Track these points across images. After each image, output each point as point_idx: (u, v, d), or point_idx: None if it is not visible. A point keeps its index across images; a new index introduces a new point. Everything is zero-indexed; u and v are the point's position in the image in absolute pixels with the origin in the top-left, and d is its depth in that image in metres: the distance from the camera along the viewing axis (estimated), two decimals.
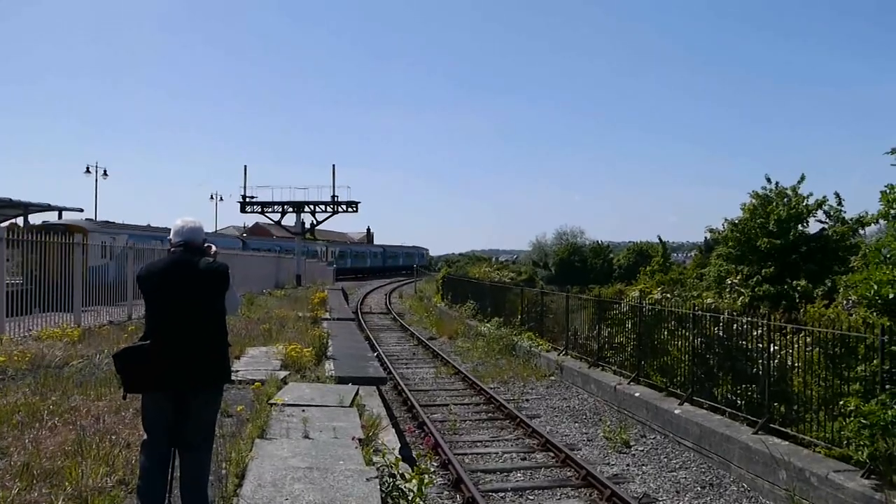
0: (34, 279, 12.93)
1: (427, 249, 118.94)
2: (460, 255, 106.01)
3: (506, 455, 10.33)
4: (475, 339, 22.40)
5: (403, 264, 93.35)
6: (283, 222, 45.33)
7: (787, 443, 8.89)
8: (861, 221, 18.56)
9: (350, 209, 43.84)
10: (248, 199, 43.84)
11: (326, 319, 20.31)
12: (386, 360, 18.98)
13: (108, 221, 31.92)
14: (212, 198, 68.01)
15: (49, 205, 21.13)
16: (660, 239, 54.88)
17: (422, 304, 39.24)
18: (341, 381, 10.47)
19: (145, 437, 4.45)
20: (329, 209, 43.79)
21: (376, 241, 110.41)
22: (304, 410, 7.95)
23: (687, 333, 11.70)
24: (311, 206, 43.97)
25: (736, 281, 18.69)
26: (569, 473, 9.49)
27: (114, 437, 6.23)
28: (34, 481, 5.14)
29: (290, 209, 44.03)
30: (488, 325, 23.23)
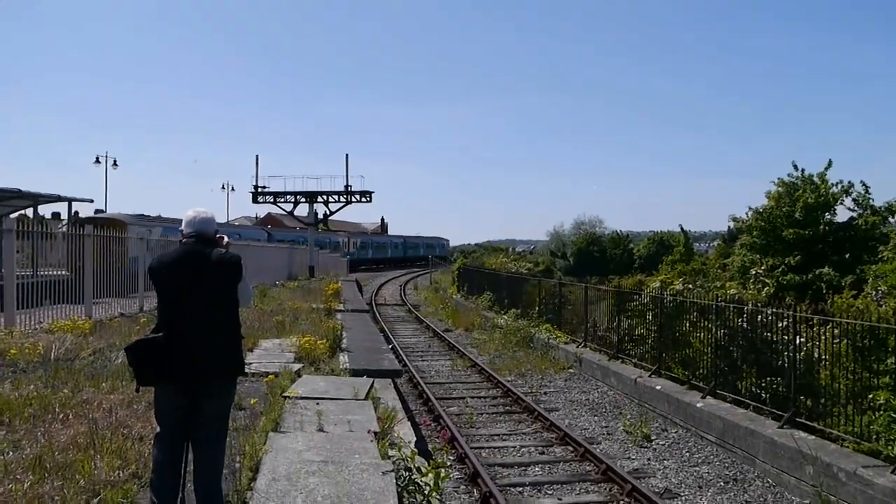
0: (77, 270, 14.05)
1: (447, 240, 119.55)
2: (476, 245, 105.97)
3: (524, 449, 10.34)
4: (492, 331, 22.52)
5: (424, 254, 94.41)
6: (295, 213, 45.42)
7: (813, 437, 8.84)
8: (891, 209, 18.33)
9: (364, 199, 43.90)
10: (259, 189, 43.97)
11: (340, 311, 20.52)
12: (401, 352, 19.05)
13: (143, 215, 33.62)
14: (223, 188, 68.27)
15: (59, 196, 21.26)
16: (681, 228, 54.48)
17: (437, 296, 39.39)
18: (356, 373, 10.51)
19: (158, 430, 4.47)
20: (342, 199, 43.85)
21: (391, 232, 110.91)
22: (318, 403, 7.97)
23: (710, 325, 11.64)
24: (324, 196, 44.00)
25: (760, 271, 18.56)
26: (588, 468, 9.49)
27: (126, 431, 6.26)
28: (46, 474, 5.16)
29: (303, 199, 44.02)
30: (505, 316, 23.50)
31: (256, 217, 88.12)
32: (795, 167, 20.01)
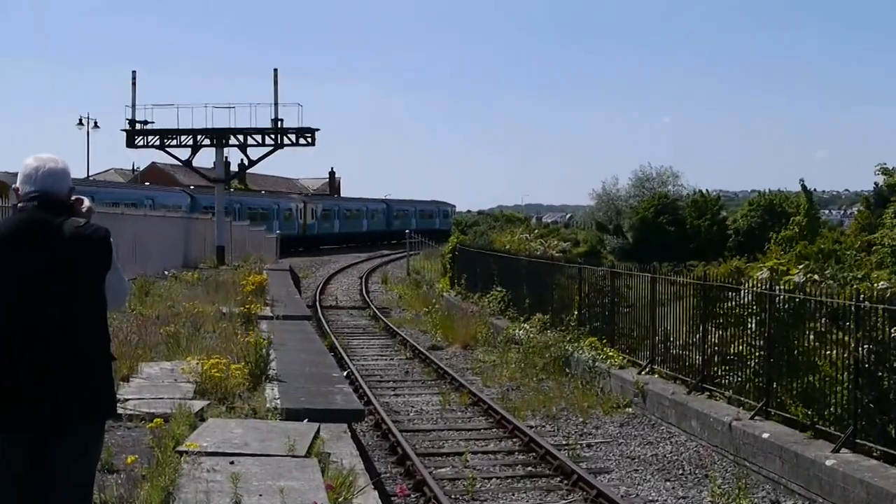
0: None
1: (452, 206, 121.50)
2: (480, 213, 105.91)
3: None
4: (504, 349, 22.63)
5: (419, 227, 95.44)
6: (195, 162, 45.15)
7: None
8: None
9: (303, 140, 43.38)
10: (138, 127, 43.57)
11: (267, 318, 20.57)
12: (362, 381, 19.20)
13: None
14: (81, 123, 66.32)
15: None
16: (803, 186, 54.40)
17: (418, 293, 39.16)
18: (292, 415, 10.67)
19: None
20: (270, 140, 43.48)
21: (345, 194, 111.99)
22: (233, 462, 8.08)
23: (846, 337, 11.65)
24: (240, 137, 43.62)
25: None
26: None
27: None
28: None
29: (207, 140, 43.60)
30: (526, 325, 23.63)
31: (135, 171, 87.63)
32: None
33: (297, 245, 76.28)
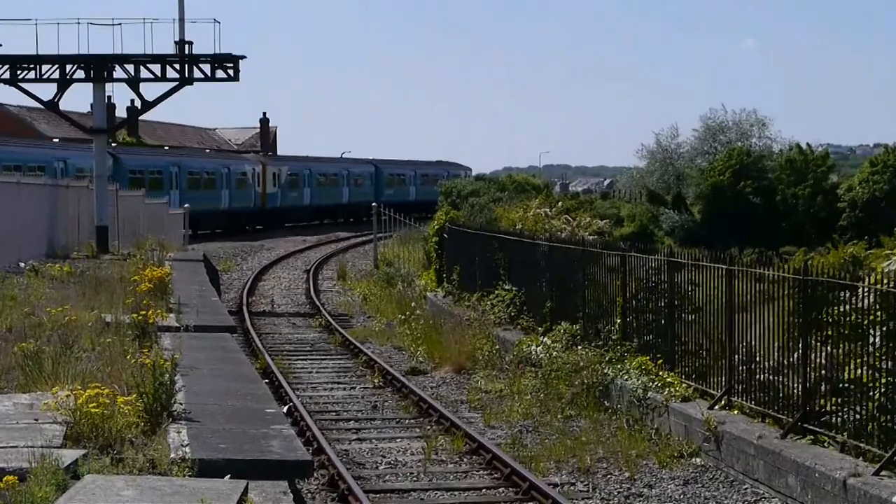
0: None
1: (467, 169, 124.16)
2: (479, 178, 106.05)
3: None
4: (515, 373, 22.77)
5: (419, 197, 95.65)
6: (63, 104, 45.13)
7: None
8: None
9: (220, 73, 43.42)
10: None
11: (171, 329, 20.69)
12: (310, 421, 19.30)
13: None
14: None
15: None
16: None
17: (390, 294, 39.34)
18: (207, 469, 10.73)
19: None
20: (174, 72, 43.31)
21: (293, 152, 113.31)
22: None
23: None
24: (129, 68, 43.50)
25: None
26: None
27: None
28: None
29: (80, 73, 43.40)
30: (546, 339, 23.79)
31: None
32: None
33: (255, 221, 78.29)
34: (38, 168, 56.87)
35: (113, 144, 49.98)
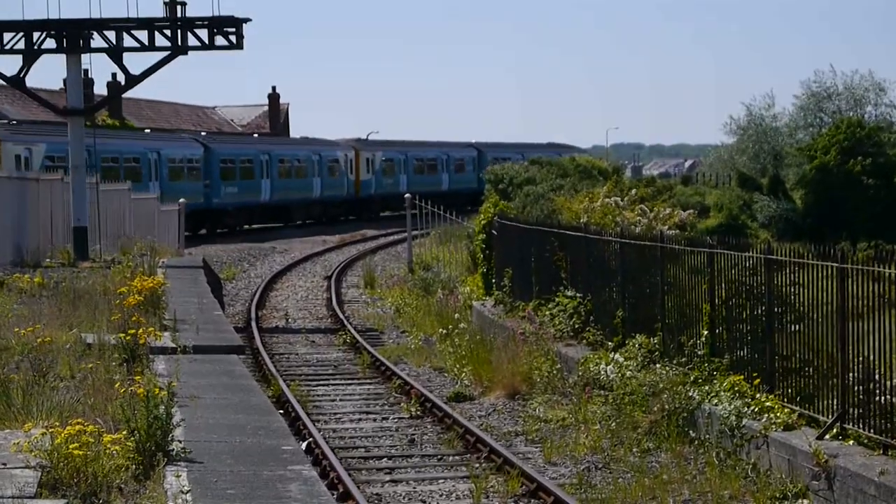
0: None
1: (584, 151, 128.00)
2: (533, 163, 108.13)
3: None
4: (581, 398, 22.42)
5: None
6: (30, 80, 44.84)
7: None
8: None
9: (220, 38, 42.47)
10: None
11: (167, 351, 20.95)
12: (335, 459, 18.94)
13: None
14: None
15: None
16: None
17: (428, 304, 39.51)
18: None
19: None
20: (164, 39, 42.45)
21: (297, 133, 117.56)
22: None
23: None
24: (111, 36, 42.78)
25: None
26: None
27: None
28: None
29: (51, 42, 42.74)
30: (618, 355, 23.51)
31: None
32: None
33: (348, 212, 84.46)
34: (134, 160, 60.52)
35: (90, 125, 49.15)
